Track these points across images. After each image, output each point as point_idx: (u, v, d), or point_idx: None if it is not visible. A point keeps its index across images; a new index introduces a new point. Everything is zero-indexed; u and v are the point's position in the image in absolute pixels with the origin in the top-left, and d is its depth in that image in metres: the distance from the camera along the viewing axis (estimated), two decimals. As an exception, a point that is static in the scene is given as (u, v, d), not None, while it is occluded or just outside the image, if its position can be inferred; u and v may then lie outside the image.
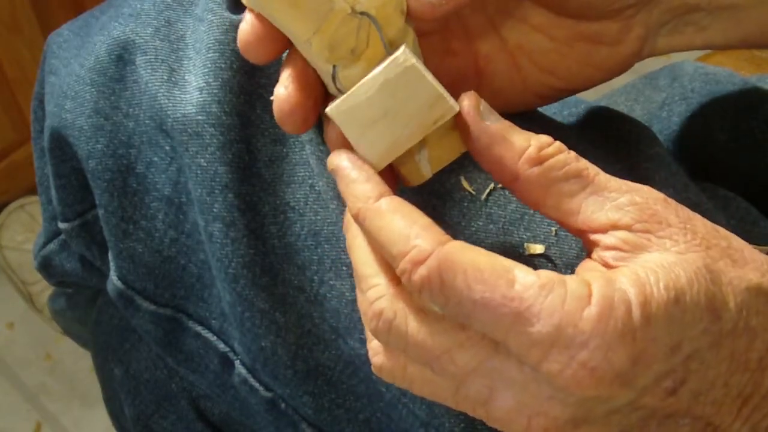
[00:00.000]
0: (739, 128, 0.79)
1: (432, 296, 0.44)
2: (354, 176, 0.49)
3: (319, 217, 0.64)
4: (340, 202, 0.62)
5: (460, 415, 0.61)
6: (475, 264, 0.44)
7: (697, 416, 0.45)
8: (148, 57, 0.67)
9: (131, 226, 0.69)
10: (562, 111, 0.77)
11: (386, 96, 0.48)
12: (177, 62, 0.66)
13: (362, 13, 0.49)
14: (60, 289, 1.03)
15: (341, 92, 0.50)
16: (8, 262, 1.71)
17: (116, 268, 0.71)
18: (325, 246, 0.63)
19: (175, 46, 0.67)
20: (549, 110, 0.77)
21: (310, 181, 0.64)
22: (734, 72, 0.87)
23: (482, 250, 0.45)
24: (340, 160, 0.50)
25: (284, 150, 0.65)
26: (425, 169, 0.54)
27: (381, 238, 0.46)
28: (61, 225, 0.77)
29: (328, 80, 0.51)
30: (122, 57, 0.68)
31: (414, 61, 0.48)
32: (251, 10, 0.51)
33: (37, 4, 1.47)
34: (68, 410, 1.66)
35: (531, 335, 0.42)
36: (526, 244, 0.61)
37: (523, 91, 0.61)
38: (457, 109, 0.49)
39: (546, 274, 0.44)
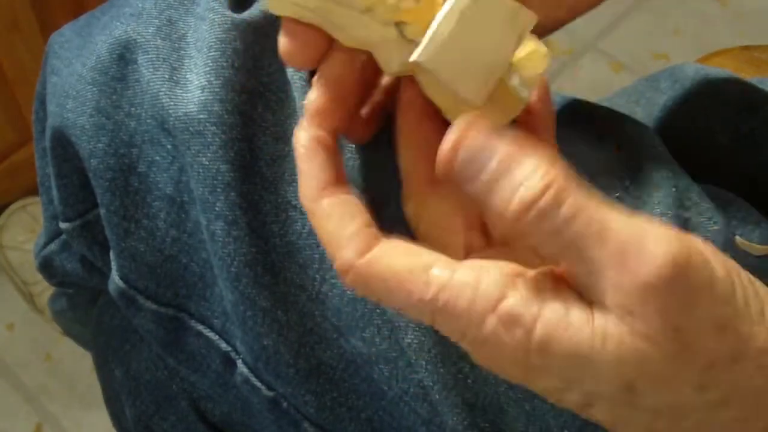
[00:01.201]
0: (740, 130, 0.79)
1: (365, 297, 0.48)
2: (305, 168, 0.52)
3: None
4: None
5: (462, 413, 0.62)
6: (392, 270, 0.46)
7: None
8: (149, 56, 0.67)
9: (133, 225, 0.69)
10: (563, 111, 0.78)
11: (467, 26, 0.48)
12: (178, 61, 0.66)
13: None
14: (60, 289, 1.03)
15: (416, 43, 0.49)
16: (9, 262, 1.71)
17: (118, 267, 0.71)
18: None
19: (176, 45, 0.67)
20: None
21: None
22: (735, 74, 0.87)
23: (407, 250, 0.48)
24: (299, 141, 0.53)
25: (286, 148, 0.65)
26: (523, 92, 0.53)
27: (320, 237, 0.50)
28: (63, 225, 0.77)
29: (388, 49, 0.51)
30: (124, 56, 0.68)
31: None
32: (287, 18, 0.51)
33: (37, 4, 1.46)
34: (68, 411, 1.66)
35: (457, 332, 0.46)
36: None
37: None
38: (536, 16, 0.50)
39: (467, 267, 0.46)
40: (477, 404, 0.62)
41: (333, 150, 0.53)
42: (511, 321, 0.44)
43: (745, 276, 0.45)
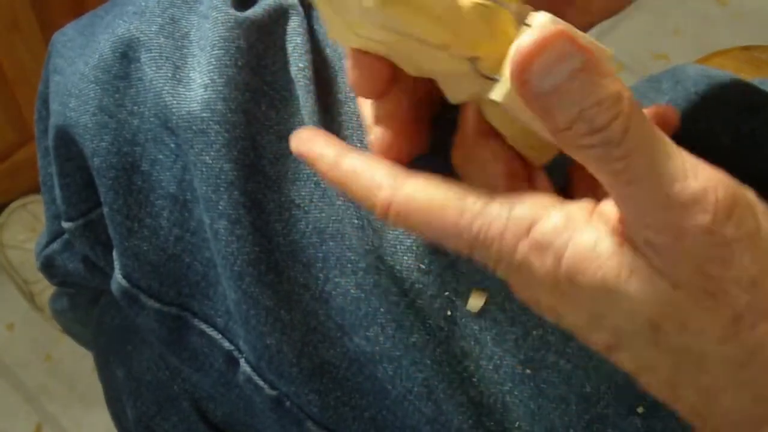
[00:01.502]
0: (741, 130, 0.79)
1: (408, 231, 0.49)
2: (316, 154, 0.53)
3: (324, 215, 0.64)
4: (346, 199, 0.63)
5: (467, 412, 0.62)
6: (430, 201, 0.48)
7: None
8: (152, 54, 0.67)
9: (136, 224, 0.69)
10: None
11: None
12: (181, 59, 0.66)
13: (481, 3, 0.48)
14: (62, 289, 1.03)
15: (491, 79, 0.49)
16: (9, 261, 1.71)
17: (121, 266, 0.71)
18: (330, 243, 0.63)
19: (179, 43, 0.67)
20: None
21: (315, 178, 0.64)
22: (736, 75, 0.87)
23: (443, 182, 0.49)
24: (298, 143, 0.55)
25: (289, 147, 0.65)
26: None
27: (355, 198, 0.51)
28: (65, 224, 0.77)
29: (457, 81, 0.51)
30: (126, 54, 0.68)
31: (559, 20, 0.48)
32: (354, 49, 0.51)
33: (37, 4, 1.46)
34: (68, 411, 1.66)
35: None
36: None
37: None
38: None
39: (502, 196, 0.47)
40: (482, 403, 0.62)
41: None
42: (542, 248, 0.45)
43: None
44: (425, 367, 0.62)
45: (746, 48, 1.17)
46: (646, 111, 0.57)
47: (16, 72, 1.52)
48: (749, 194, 0.43)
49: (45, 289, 1.66)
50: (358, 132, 0.66)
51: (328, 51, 0.69)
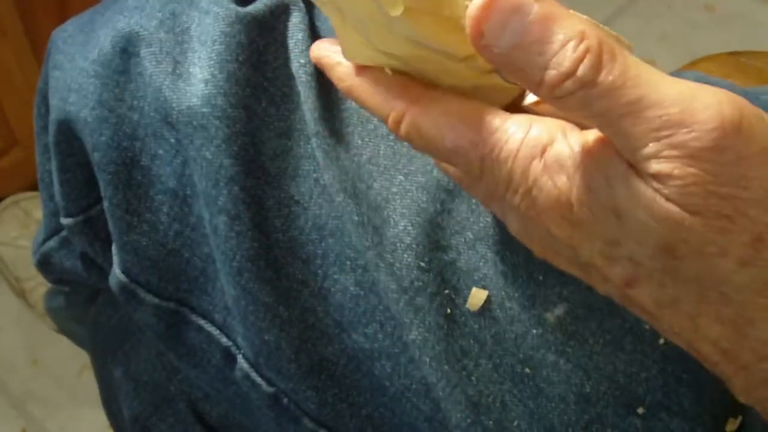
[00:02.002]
0: None
1: (418, 148, 0.48)
2: (334, 61, 0.52)
3: (323, 211, 0.64)
4: (346, 196, 0.62)
5: (466, 410, 0.61)
6: (446, 113, 0.47)
7: None
8: (152, 49, 0.67)
9: (135, 219, 0.69)
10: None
11: None
12: (182, 54, 0.66)
13: None
14: (58, 287, 1.03)
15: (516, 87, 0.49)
16: (2, 258, 1.71)
17: (120, 261, 0.71)
18: (330, 240, 0.63)
19: (179, 38, 0.67)
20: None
21: (314, 175, 0.64)
22: (734, 83, 0.88)
23: (460, 97, 0.47)
24: (319, 50, 0.53)
25: (289, 143, 0.65)
26: None
27: (369, 107, 0.50)
28: (64, 220, 0.76)
29: (481, 97, 0.49)
30: (126, 49, 0.68)
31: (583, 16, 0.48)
32: (363, 69, 0.51)
33: (22, 9, 1.46)
34: (54, 416, 1.65)
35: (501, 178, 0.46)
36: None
37: None
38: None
39: (520, 116, 0.46)
40: (481, 402, 0.62)
41: None
42: (557, 167, 0.44)
43: None
44: (424, 364, 0.62)
45: (733, 53, 1.17)
46: None
47: (2, 78, 1.51)
48: (760, 110, 0.41)
49: (37, 287, 1.65)
50: (359, 128, 0.66)
51: None
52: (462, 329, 0.62)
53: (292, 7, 0.68)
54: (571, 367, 0.61)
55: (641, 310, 0.45)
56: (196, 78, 0.65)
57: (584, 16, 0.44)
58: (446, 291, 0.62)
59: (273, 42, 0.67)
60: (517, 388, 0.61)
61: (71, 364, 1.66)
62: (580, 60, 0.41)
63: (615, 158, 0.42)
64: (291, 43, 0.67)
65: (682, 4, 2.23)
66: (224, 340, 0.70)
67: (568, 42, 0.41)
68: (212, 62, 0.64)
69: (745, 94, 0.81)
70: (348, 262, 0.63)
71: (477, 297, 0.62)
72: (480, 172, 0.46)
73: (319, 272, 0.64)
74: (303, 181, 0.65)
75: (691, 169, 0.39)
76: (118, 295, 0.72)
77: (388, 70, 0.50)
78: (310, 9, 0.70)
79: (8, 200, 1.74)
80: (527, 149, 0.44)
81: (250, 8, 0.66)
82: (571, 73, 0.41)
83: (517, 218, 0.47)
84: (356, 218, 0.62)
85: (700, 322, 0.43)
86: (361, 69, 0.50)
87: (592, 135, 0.44)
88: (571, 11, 0.43)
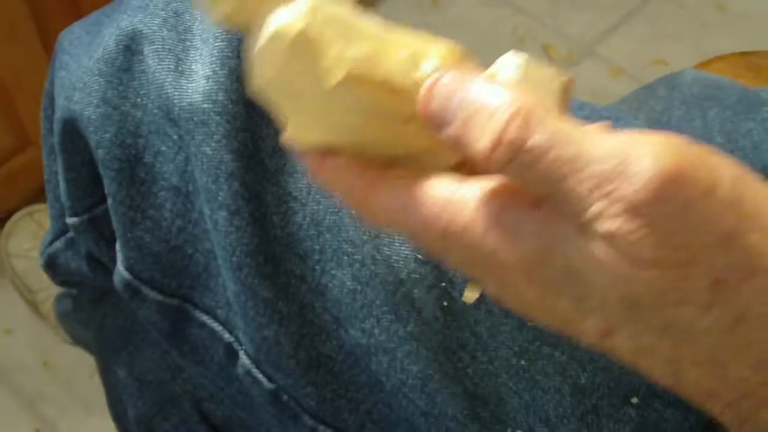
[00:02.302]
0: (737, 130, 0.79)
1: (385, 228, 0.49)
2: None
3: (320, 207, 0.64)
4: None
5: (462, 403, 0.62)
6: (402, 193, 0.46)
7: None
8: (155, 47, 0.68)
9: (139, 216, 0.69)
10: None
11: None
12: (184, 52, 0.67)
13: (440, 69, 0.47)
14: (66, 291, 1.04)
15: None
16: (14, 270, 1.71)
17: (124, 258, 0.72)
18: (327, 236, 0.64)
19: (182, 36, 0.68)
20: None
21: None
22: (732, 79, 0.87)
23: (413, 178, 0.47)
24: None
25: None
26: None
27: (333, 192, 0.49)
28: (69, 220, 0.77)
29: (430, 157, 0.50)
30: (130, 47, 0.69)
31: (521, 55, 0.48)
32: (323, 154, 0.50)
33: (35, 11, 1.47)
34: (66, 417, 1.65)
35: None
36: None
37: None
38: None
39: (467, 186, 0.45)
40: (477, 394, 0.62)
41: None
42: (512, 233, 0.43)
43: (759, 183, 0.42)
44: (420, 358, 0.62)
45: (745, 53, 1.17)
46: None
47: (15, 80, 1.52)
48: (698, 148, 0.40)
49: (48, 298, 1.65)
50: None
51: None
52: (458, 322, 0.62)
53: None
54: (567, 359, 0.61)
55: (623, 358, 0.45)
56: (197, 75, 0.65)
57: (517, 59, 0.47)
58: (443, 284, 0.62)
59: None
60: (512, 381, 0.62)
61: (82, 366, 1.67)
62: (507, 126, 0.41)
63: (565, 221, 0.42)
64: None
65: (694, 4, 2.23)
66: (227, 336, 0.70)
67: (496, 111, 0.41)
68: (214, 59, 0.64)
69: (744, 89, 0.81)
70: (345, 257, 0.63)
71: (473, 290, 0.61)
72: (445, 245, 0.46)
73: (317, 268, 0.64)
74: (301, 177, 0.65)
75: (638, 225, 0.39)
76: (122, 292, 0.73)
77: (342, 158, 0.49)
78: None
79: (22, 212, 1.74)
80: (482, 218, 0.44)
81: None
82: (499, 141, 0.41)
83: (488, 283, 0.46)
84: (354, 212, 0.62)
85: (679, 366, 0.43)
86: (322, 155, 0.49)
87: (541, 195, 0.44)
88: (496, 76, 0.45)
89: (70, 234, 0.84)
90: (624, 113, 0.79)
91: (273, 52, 0.47)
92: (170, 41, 0.68)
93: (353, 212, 0.51)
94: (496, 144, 0.41)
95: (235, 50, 0.65)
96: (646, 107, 0.92)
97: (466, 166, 0.49)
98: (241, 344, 0.69)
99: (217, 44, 0.65)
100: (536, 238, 0.42)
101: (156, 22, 0.69)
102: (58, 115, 0.74)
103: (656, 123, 0.88)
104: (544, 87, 0.49)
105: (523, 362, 0.61)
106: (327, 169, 0.49)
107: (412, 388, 0.63)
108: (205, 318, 0.71)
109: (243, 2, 0.48)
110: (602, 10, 2.18)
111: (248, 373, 0.69)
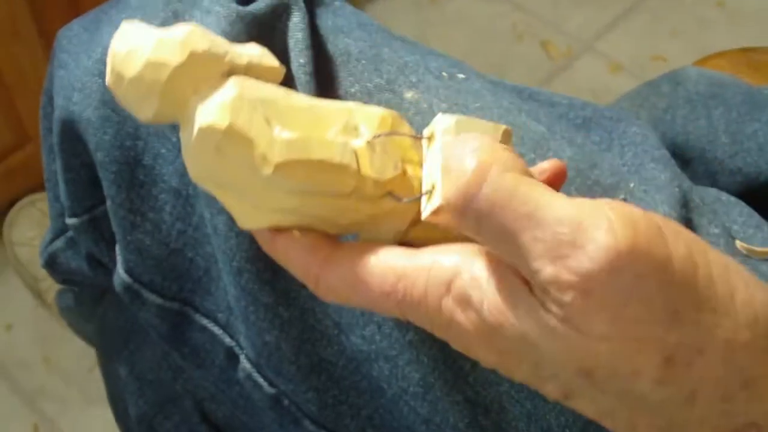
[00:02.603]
0: (743, 131, 0.79)
1: (343, 304, 0.49)
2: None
3: None
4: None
5: (463, 411, 0.62)
6: (353, 269, 0.47)
7: None
8: None
9: (139, 218, 0.69)
10: (568, 114, 0.78)
11: None
12: None
13: (376, 137, 0.48)
14: (66, 286, 1.04)
15: (412, 200, 0.49)
16: (18, 258, 1.71)
17: (123, 261, 0.71)
18: None
19: None
20: (556, 111, 0.77)
21: None
22: (737, 77, 0.87)
23: (364, 248, 0.47)
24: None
25: None
26: None
27: (290, 270, 0.50)
28: (69, 220, 0.77)
29: (377, 224, 0.50)
30: None
31: (456, 116, 0.48)
32: (275, 233, 0.50)
33: (35, 7, 1.47)
34: (66, 413, 1.66)
35: None
36: None
37: None
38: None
39: (427, 251, 0.46)
40: (478, 402, 0.62)
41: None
42: (463, 303, 0.43)
43: (716, 256, 0.41)
44: (421, 365, 0.62)
45: (744, 50, 1.17)
46: (537, 169, 0.56)
47: (15, 76, 1.52)
48: (651, 221, 0.40)
49: (52, 286, 1.65)
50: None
51: (328, 47, 0.69)
52: None
53: (292, 7, 0.68)
54: None
55: (587, 416, 0.45)
56: None
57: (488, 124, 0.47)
58: None
59: (273, 41, 0.67)
60: (514, 389, 0.62)
61: (82, 361, 1.67)
62: (466, 177, 0.41)
63: (518, 286, 0.42)
64: (291, 42, 0.67)
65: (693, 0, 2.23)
66: (227, 340, 0.70)
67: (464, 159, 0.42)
68: None
69: (749, 87, 0.81)
70: None
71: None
72: (403, 316, 0.46)
73: None
74: None
75: (589, 298, 0.38)
76: (122, 295, 0.73)
77: (296, 232, 0.49)
78: (310, 9, 0.71)
79: (24, 200, 1.74)
80: (434, 289, 0.44)
81: (252, 7, 0.67)
82: (456, 191, 0.42)
83: (452, 344, 0.46)
84: None
85: (640, 430, 0.43)
86: (274, 234, 0.49)
87: (495, 260, 0.44)
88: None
89: (71, 233, 0.83)
90: (625, 113, 0.79)
91: (203, 149, 0.46)
92: None
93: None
94: (453, 194, 0.42)
95: None
96: (647, 104, 0.92)
97: (417, 226, 0.49)
98: (241, 348, 0.69)
99: None
100: (490, 307, 0.42)
101: (155, 23, 0.68)
102: (57, 115, 0.73)
103: (660, 122, 0.88)
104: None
105: None
106: (279, 248, 0.49)
107: (414, 396, 0.63)
108: (205, 322, 0.71)
109: (165, 102, 0.47)
110: (601, 6, 2.18)
111: (249, 377, 0.69)
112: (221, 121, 0.45)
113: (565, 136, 0.71)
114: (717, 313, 0.40)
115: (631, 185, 0.69)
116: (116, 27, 0.70)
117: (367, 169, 0.47)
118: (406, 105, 0.68)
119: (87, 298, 1.03)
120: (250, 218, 0.49)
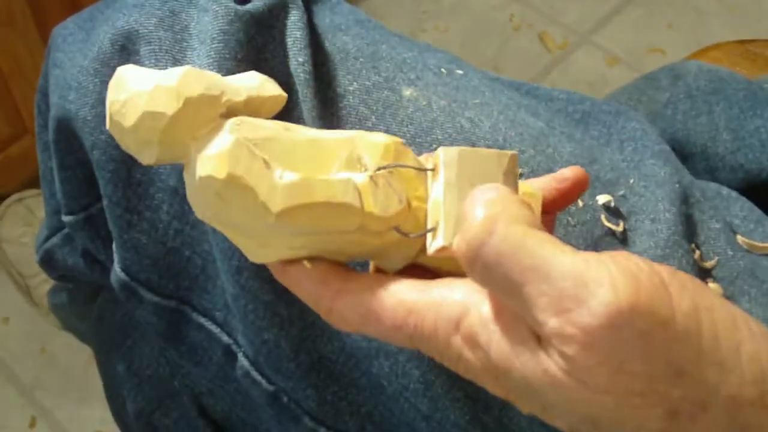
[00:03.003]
0: (744, 127, 0.79)
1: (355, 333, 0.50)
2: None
3: None
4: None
5: (464, 407, 0.62)
6: (364, 302, 0.47)
7: None
8: (152, 47, 0.67)
9: (135, 217, 0.69)
10: (566, 108, 0.78)
11: (463, 192, 0.48)
12: (181, 53, 0.66)
13: (379, 170, 0.48)
14: (61, 284, 1.03)
15: (418, 235, 0.49)
16: (6, 256, 1.71)
17: (120, 259, 0.71)
18: None
19: (179, 36, 0.67)
20: (555, 106, 0.77)
21: None
22: (737, 71, 0.87)
23: (377, 281, 0.48)
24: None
25: None
26: None
27: (304, 301, 0.50)
28: (65, 218, 0.76)
29: (387, 253, 0.50)
30: (126, 47, 0.68)
31: (459, 148, 0.48)
32: (286, 265, 0.50)
33: (33, 0, 1.46)
34: (63, 405, 1.66)
35: None
36: None
37: None
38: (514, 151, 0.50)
39: (439, 285, 0.46)
40: (479, 399, 0.62)
41: None
42: (472, 342, 0.44)
43: (723, 310, 0.41)
44: (422, 362, 0.62)
45: (741, 42, 1.17)
46: (547, 178, 0.56)
47: (12, 67, 1.52)
48: (660, 275, 0.40)
49: (41, 284, 1.66)
50: (357, 126, 0.66)
51: (327, 45, 0.69)
52: None
53: (290, 5, 0.68)
54: None
55: None
56: None
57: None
58: None
59: (271, 40, 0.67)
60: None
61: (80, 353, 1.67)
62: (473, 227, 0.42)
63: (524, 333, 0.42)
64: (289, 41, 0.67)
65: (690, -8, 2.23)
66: (225, 338, 0.70)
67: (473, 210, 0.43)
68: (211, 60, 0.64)
69: (749, 83, 0.81)
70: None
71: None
72: (413, 347, 0.47)
73: None
74: None
75: (592, 352, 0.39)
76: (118, 293, 0.73)
77: (307, 263, 0.49)
78: (308, 7, 0.70)
79: (12, 198, 1.74)
80: (443, 326, 0.45)
81: (249, 6, 0.66)
82: (464, 241, 0.43)
83: (462, 375, 0.47)
84: None
85: None
86: (285, 264, 0.50)
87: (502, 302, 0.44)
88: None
89: (66, 230, 0.83)
90: (624, 107, 0.79)
91: (205, 196, 0.47)
92: (167, 42, 0.67)
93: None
94: (462, 244, 0.43)
95: (233, 51, 0.64)
96: (645, 98, 0.92)
97: (426, 255, 0.50)
98: (239, 346, 0.69)
99: (214, 45, 0.64)
100: (496, 349, 0.43)
101: (152, 21, 0.68)
102: (53, 113, 0.73)
103: (659, 117, 0.87)
104: (491, 168, 0.49)
105: None
106: (291, 278, 0.50)
107: (414, 393, 0.63)
108: (202, 320, 0.71)
109: (165, 148, 0.48)
110: (598, -2, 2.19)
111: (247, 374, 0.69)
112: (220, 172, 0.45)
113: (564, 131, 0.71)
114: (722, 369, 0.40)
115: (631, 181, 0.69)
116: (111, 26, 0.70)
117: (371, 206, 0.47)
118: (404, 102, 0.67)
119: (82, 295, 1.03)
120: (259, 254, 0.50)
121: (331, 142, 0.48)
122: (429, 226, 0.49)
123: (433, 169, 0.49)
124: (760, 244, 0.70)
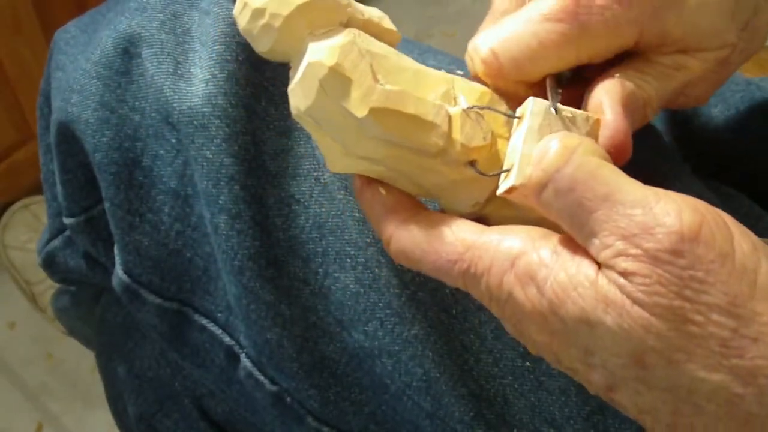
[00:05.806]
0: (746, 127, 0.79)
1: (408, 267, 0.52)
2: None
3: (323, 210, 0.64)
4: (347, 194, 0.63)
5: (468, 405, 0.62)
6: (426, 235, 0.50)
7: None
8: (153, 50, 0.67)
9: (137, 219, 0.69)
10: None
11: (540, 142, 0.49)
12: (183, 55, 0.67)
13: (471, 108, 0.51)
14: (64, 287, 1.03)
15: (492, 174, 0.51)
16: (12, 262, 1.71)
17: (122, 261, 0.71)
18: (330, 238, 0.64)
19: (180, 39, 0.67)
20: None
21: (315, 174, 0.64)
22: (739, 72, 0.87)
23: (441, 218, 0.50)
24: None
25: (289, 143, 0.65)
26: None
27: (370, 223, 0.54)
28: (67, 220, 0.77)
29: (457, 191, 0.52)
30: (128, 50, 0.68)
31: (547, 103, 0.50)
32: (365, 181, 0.53)
33: (39, 3, 1.47)
34: (70, 410, 1.66)
35: None
36: None
37: None
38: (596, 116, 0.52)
39: (495, 230, 0.48)
40: (482, 396, 0.62)
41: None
42: (526, 280, 0.45)
43: None
44: (425, 360, 0.62)
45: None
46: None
47: (18, 72, 1.53)
48: (723, 216, 0.43)
49: (47, 290, 1.66)
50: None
51: None
52: (462, 324, 0.62)
53: None
54: None
55: (627, 413, 0.46)
56: (196, 78, 0.65)
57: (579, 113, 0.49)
58: (447, 287, 0.62)
59: None
60: (518, 382, 0.62)
61: (86, 358, 1.67)
62: (546, 155, 0.45)
63: (583, 262, 0.44)
64: None
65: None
66: (227, 339, 0.70)
67: (548, 141, 0.46)
68: (213, 62, 0.64)
69: (749, 83, 0.81)
70: (348, 260, 0.63)
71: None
72: (464, 286, 0.49)
73: (320, 270, 0.64)
74: (303, 180, 0.65)
75: (655, 270, 0.41)
76: (120, 295, 0.73)
77: (382, 189, 0.52)
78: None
79: (18, 204, 1.75)
80: (499, 263, 0.47)
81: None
82: (537, 163, 0.46)
83: (504, 322, 0.49)
84: (357, 215, 0.63)
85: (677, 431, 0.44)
86: (364, 184, 0.53)
87: (561, 240, 0.46)
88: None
89: (68, 233, 0.83)
90: None
91: (307, 86, 0.49)
92: (169, 44, 0.67)
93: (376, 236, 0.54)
94: (536, 169, 0.46)
95: (234, 53, 0.65)
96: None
97: (494, 202, 0.52)
98: (242, 347, 0.69)
99: (216, 47, 0.65)
100: (552, 283, 0.45)
101: (154, 24, 0.68)
102: (55, 116, 0.73)
103: (658, 117, 0.87)
104: (575, 125, 0.50)
105: (528, 363, 0.61)
106: (365, 199, 0.53)
107: (417, 391, 0.63)
108: (204, 322, 0.71)
109: (282, 38, 0.50)
110: None
111: (250, 375, 0.69)
112: (329, 60, 0.48)
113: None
114: None
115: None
116: (113, 29, 0.70)
117: (456, 134, 0.50)
118: None
119: (84, 298, 1.03)
120: (339, 162, 0.51)
121: (433, 76, 0.51)
122: (504, 167, 0.50)
123: (520, 117, 0.51)
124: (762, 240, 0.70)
